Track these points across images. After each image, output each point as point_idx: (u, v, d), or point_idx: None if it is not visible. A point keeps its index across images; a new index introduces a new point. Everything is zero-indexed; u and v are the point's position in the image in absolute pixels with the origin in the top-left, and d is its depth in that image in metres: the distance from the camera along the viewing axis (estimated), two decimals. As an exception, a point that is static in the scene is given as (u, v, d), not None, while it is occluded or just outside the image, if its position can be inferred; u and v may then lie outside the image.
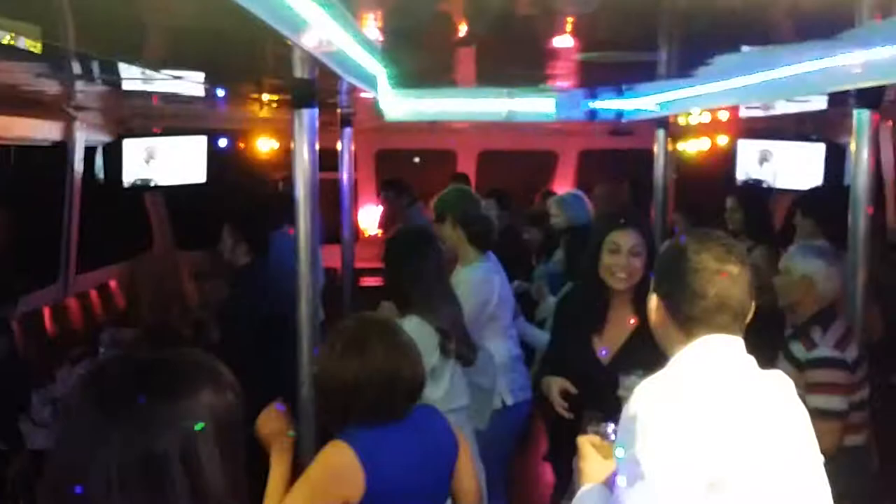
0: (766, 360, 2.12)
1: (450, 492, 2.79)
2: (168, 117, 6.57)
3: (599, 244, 3.33)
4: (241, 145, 7.81)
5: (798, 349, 3.49)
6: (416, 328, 3.45)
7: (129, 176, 6.17)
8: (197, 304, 7.10)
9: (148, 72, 4.23)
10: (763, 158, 6.96)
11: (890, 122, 6.11)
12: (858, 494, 2.92)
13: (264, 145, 7.99)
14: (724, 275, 1.97)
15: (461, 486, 2.79)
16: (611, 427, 2.27)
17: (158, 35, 3.31)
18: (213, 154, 6.95)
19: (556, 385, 3.31)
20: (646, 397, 1.93)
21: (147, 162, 6.60)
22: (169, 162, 6.76)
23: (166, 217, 7.68)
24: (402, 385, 2.64)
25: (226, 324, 4.97)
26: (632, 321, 3.28)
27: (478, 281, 4.29)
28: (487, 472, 3.57)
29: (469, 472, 2.81)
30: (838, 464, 2.08)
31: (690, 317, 1.99)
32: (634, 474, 1.87)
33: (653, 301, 2.11)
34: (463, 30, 3.52)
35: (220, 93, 5.36)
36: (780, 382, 2.04)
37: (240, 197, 6.18)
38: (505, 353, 4.33)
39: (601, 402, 2.85)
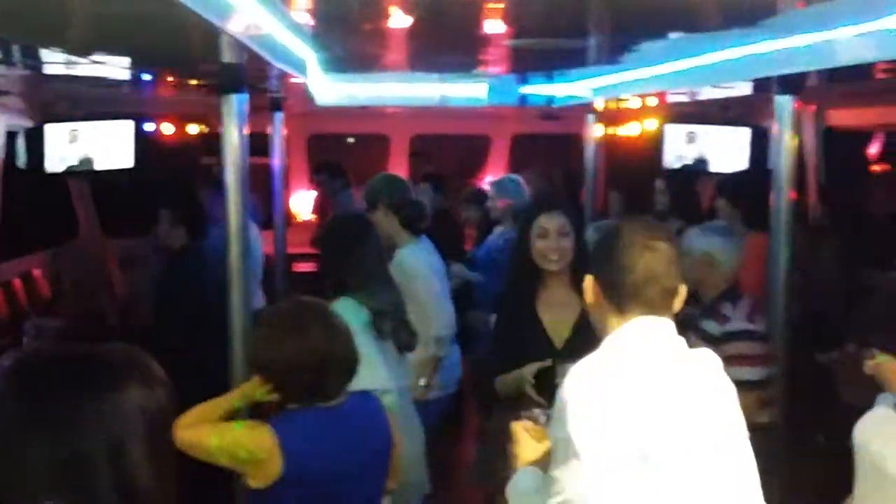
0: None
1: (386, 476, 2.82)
2: (93, 102, 6.39)
3: (528, 230, 3.44)
4: (171, 130, 7.65)
5: (711, 326, 3.60)
6: (347, 309, 3.46)
7: (51, 161, 5.99)
8: (125, 291, 6.97)
9: (72, 56, 4.12)
10: (689, 142, 7.10)
11: (812, 108, 6.30)
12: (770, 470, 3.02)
13: (194, 130, 7.85)
14: (650, 250, 2.07)
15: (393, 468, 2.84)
16: (540, 411, 2.36)
17: (82, 20, 3.22)
18: (141, 139, 6.80)
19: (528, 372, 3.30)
20: (575, 378, 2.01)
21: (71, 147, 6.43)
22: (94, 147, 6.60)
23: (91, 203, 7.50)
24: (334, 367, 2.67)
25: (156, 311, 4.90)
26: (577, 305, 3.36)
27: (413, 266, 4.32)
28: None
29: (398, 467, 2.87)
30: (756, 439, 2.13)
31: (621, 292, 2.08)
32: (567, 454, 1.94)
33: (587, 281, 2.19)
34: (393, 15, 3.51)
35: (148, 77, 5.25)
36: (707, 361, 2.12)
37: (174, 181, 6.06)
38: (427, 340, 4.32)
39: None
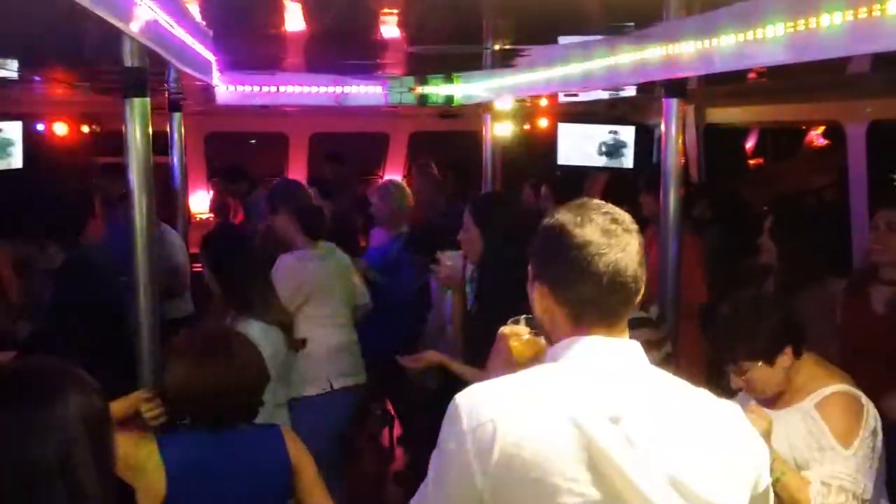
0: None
1: None
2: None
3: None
4: (62, 130, 7.45)
5: None
6: (261, 334, 3.54)
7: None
8: (19, 297, 6.73)
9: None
10: (584, 140, 7.34)
11: (692, 105, 6.62)
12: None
13: (86, 129, 7.67)
14: (613, 246, 1.70)
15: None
16: (525, 319, 2.14)
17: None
18: (30, 140, 6.60)
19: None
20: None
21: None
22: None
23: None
24: (234, 398, 2.69)
25: (52, 318, 4.79)
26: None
27: (287, 266, 4.36)
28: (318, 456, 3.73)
29: (316, 491, 2.81)
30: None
31: (579, 299, 1.72)
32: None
33: (535, 290, 1.81)
34: (292, 17, 3.56)
35: (42, 78, 5.13)
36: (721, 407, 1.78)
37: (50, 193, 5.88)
38: (326, 340, 4.42)
39: None
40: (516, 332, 2.12)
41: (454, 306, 3.74)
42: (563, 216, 1.76)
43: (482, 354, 3.18)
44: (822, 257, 4.28)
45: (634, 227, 1.76)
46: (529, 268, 1.85)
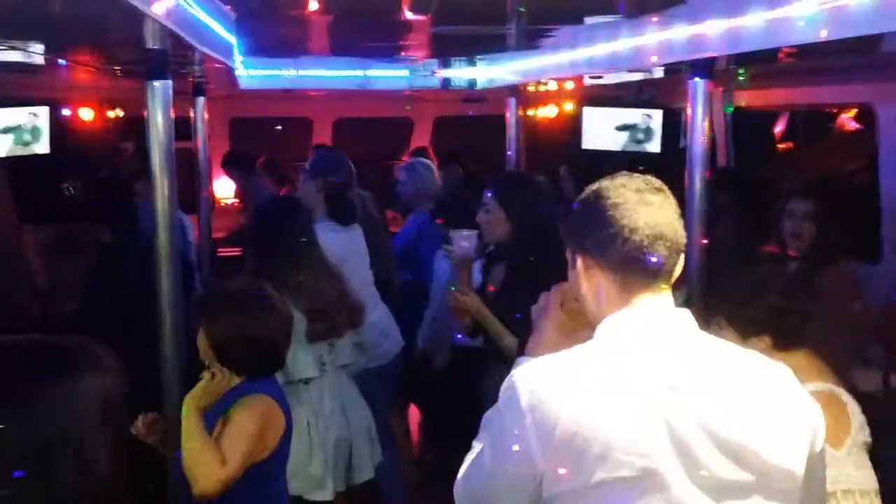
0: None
1: None
2: (7, 87, 6.22)
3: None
4: (88, 115, 7.48)
5: None
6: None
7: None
8: (47, 280, 6.79)
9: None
10: (608, 124, 7.26)
11: (720, 88, 6.52)
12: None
13: (112, 114, 7.70)
14: (649, 203, 1.75)
15: None
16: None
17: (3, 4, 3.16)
18: (57, 125, 6.63)
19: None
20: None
21: None
22: (7, 133, 6.42)
23: (7, 190, 7.28)
24: (287, 340, 3.01)
25: (83, 301, 4.83)
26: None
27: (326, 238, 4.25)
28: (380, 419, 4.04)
29: None
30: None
31: (621, 259, 1.74)
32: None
33: (578, 265, 1.83)
34: (314, 1, 3.53)
35: (67, 62, 5.15)
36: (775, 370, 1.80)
37: (86, 175, 5.93)
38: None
39: None
40: (567, 298, 1.99)
41: (461, 284, 3.68)
42: (597, 185, 1.82)
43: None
44: (851, 242, 4.20)
45: (667, 189, 1.80)
46: (567, 251, 1.88)
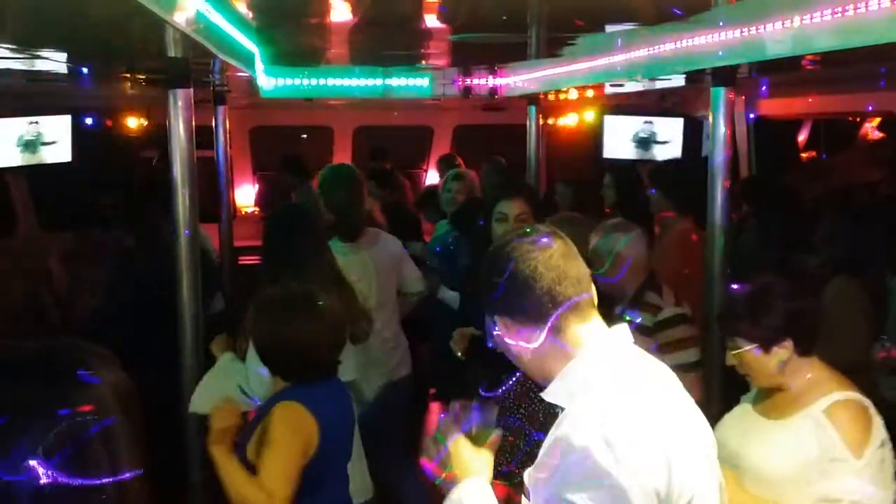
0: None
1: None
2: (31, 96, 6.29)
3: (489, 216, 3.60)
4: (109, 123, 7.55)
5: (645, 317, 3.62)
6: None
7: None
8: (66, 286, 6.85)
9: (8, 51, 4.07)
10: (628, 133, 7.25)
11: (742, 97, 6.49)
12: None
13: (133, 123, 7.76)
14: (542, 250, 1.82)
15: None
16: (456, 408, 1.99)
17: (27, 14, 3.20)
18: (79, 133, 6.70)
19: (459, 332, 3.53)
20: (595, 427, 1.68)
21: (7, 143, 6.32)
22: (31, 142, 6.50)
23: (30, 198, 7.36)
24: (336, 346, 2.91)
25: (102, 307, 4.86)
26: None
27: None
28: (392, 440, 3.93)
29: None
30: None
31: (536, 307, 1.80)
32: None
33: (500, 328, 1.87)
34: (337, 9, 3.54)
35: (89, 71, 5.19)
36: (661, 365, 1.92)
37: (114, 178, 5.99)
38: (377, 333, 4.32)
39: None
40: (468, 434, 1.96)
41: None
42: (492, 249, 1.89)
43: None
44: (875, 252, 4.15)
45: (560, 233, 1.88)
46: (486, 315, 1.93)
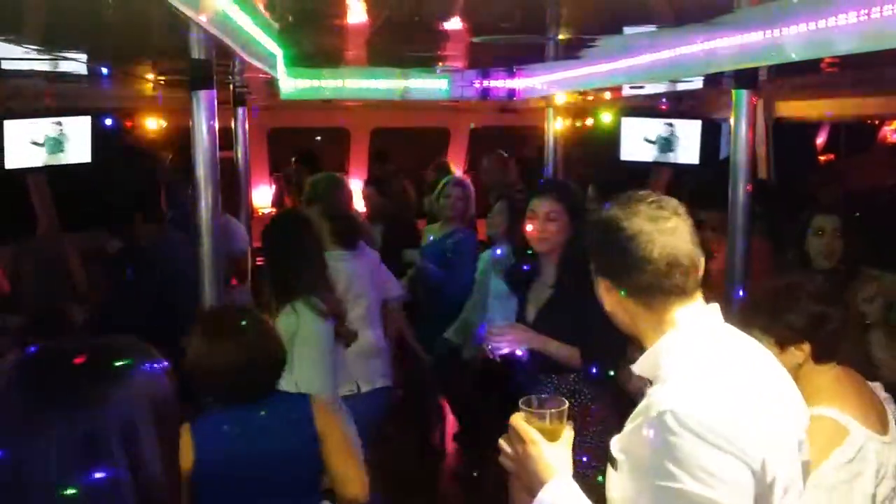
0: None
1: (320, 483, 2.89)
2: (51, 97, 6.34)
3: (523, 212, 3.62)
4: (129, 125, 7.60)
5: None
6: (311, 318, 3.57)
7: (11, 158, 5.94)
8: (86, 287, 6.90)
9: (34, 51, 4.11)
10: (647, 135, 7.23)
11: (762, 100, 6.46)
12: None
13: (153, 124, 7.81)
14: (663, 231, 1.80)
15: (336, 474, 2.84)
16: (535, 398, 1.91)
17: (51, 14, 3.23)
18: (99, 134, 6.74)
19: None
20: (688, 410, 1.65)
21: (30, 143, 6.37)
22: (51, 142, 6.54)
23: (50, 198, 7.41)
24: (255, 373, 2.76)
25: (118, 308, 4.90)
26: (550, 284, 3.55)
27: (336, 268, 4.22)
28: None
29: (343, 459, 2.86)
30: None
31: (641, 286, 1.81)
32: None
33: (600, 285, 1.91)
34: (357, 11, 3.56)
35: (111, 72, 5.23)
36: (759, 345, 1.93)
37: (137, 179, 6.02)
38: (365, 341, 4.32)
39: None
40: (541, 428, 1.86)
41: None
42: (610, 211, 1.86)
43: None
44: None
45: (682, 210, 1.85)
46: (591, 264, 1.94)
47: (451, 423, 6.45)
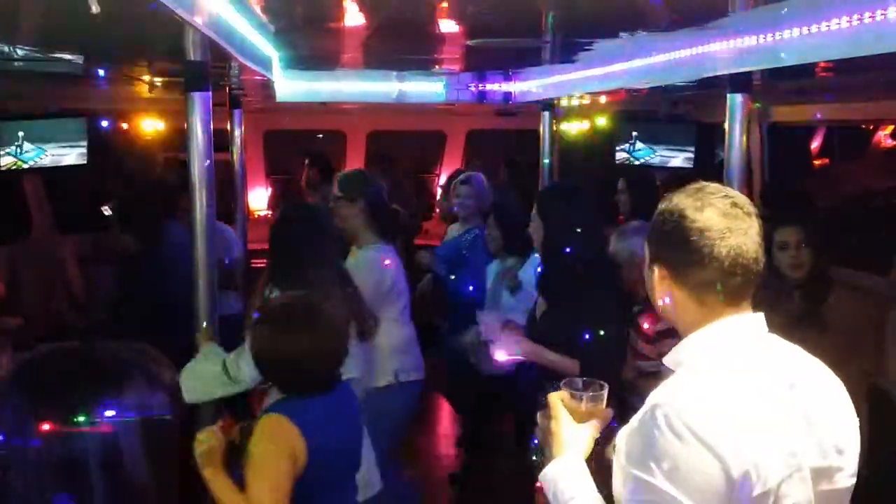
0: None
1: None
2: (47, 98, 6.34)
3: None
4: (124, 126, 7.59)
5: (650, 322, 3.63)
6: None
7: (6, 159, 5.94)
8: (82, 289, 6.90)
9: (30, 52, 4.11)
10: (640, 139, 7.25)
11: (757, 104, 6.47)
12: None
13: (149, 126, 7.79)
14: (734, 231, 1.73)
15: None
16: (581, 381, 1.98)
17: (45, 15, 3.23)
18: (95, 136, 6.74)
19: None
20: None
21: (24, 144, 6.37)
22: (47, 144, 6.55)
23: (45, 200, 7.41)
24: (333, 359, 2.83)
25: (114, 309, 4.89)
26: None
27: (372, 261, 4.31)
28: (377, 444, 3.74)
29: None
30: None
31: (700, 282, 1.75)
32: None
33: (655, 273, 1.85)
34: (352, 13, 3.56)
35: (106, 73, 5.23)
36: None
37: (122, 186, 6.01)
38: (397, 335, 4.39)
39: None
40: (574, 409, 1.94)
41: None
42: (682, 201, 1.78)
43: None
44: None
45: (754, 209, 1.78)
46: (646, 251, 1.88)
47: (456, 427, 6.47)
